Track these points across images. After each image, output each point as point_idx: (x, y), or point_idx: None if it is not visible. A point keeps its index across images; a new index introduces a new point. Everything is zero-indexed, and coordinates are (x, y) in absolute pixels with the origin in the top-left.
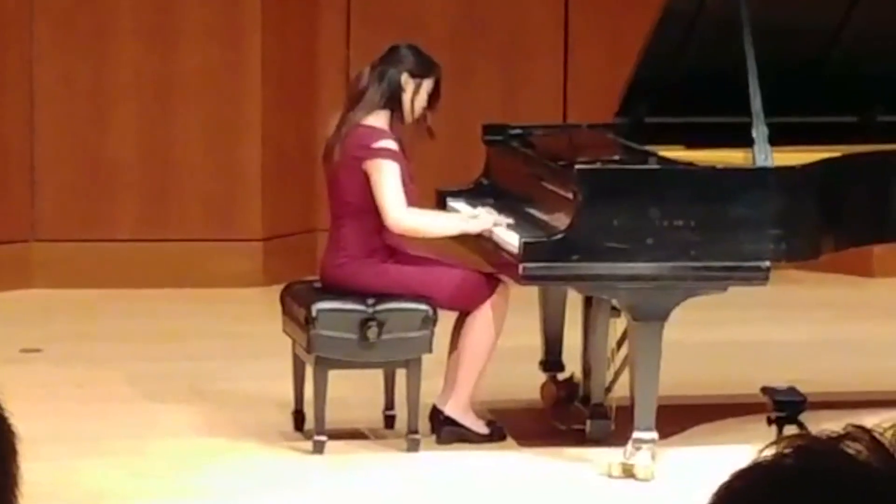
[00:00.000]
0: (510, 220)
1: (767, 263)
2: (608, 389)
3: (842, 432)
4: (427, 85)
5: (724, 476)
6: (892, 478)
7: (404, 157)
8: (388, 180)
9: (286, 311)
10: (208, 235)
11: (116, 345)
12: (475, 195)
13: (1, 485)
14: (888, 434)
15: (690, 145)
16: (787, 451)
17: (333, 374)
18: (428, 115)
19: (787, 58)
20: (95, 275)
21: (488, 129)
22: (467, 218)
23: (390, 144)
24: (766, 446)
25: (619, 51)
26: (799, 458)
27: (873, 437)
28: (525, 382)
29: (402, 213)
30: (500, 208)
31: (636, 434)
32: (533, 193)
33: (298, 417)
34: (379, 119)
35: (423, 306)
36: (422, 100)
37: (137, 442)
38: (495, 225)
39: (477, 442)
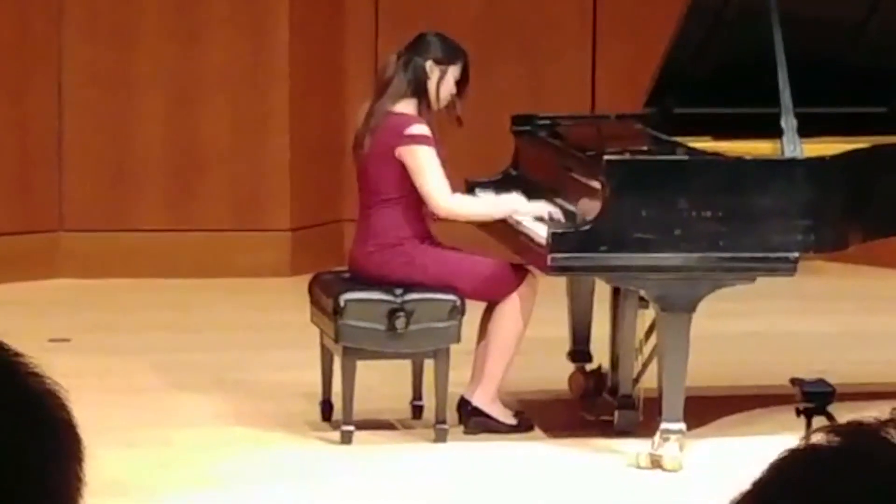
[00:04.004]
0: (557, 209)
1: (795, 254)
2: (636, 380)
3: (886, 418)
4: (453, 72)
5: (752, 467)
6: None
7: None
8: (429, 166)
9: (314, 302)
10: (236, 226)
11: (144, 335)
12: (503, 185)
13: (71, 487)
14: None
15: (718, 136)
16: (830, 435)
17: (361, 365)
18: (457, 102)
19: (814, 48)
20: (123, 265)
21: (516, 120)
22: (515, 200)
23: (424, 130)
24: (813, 431)
25: (647, 41)
26: (842, 441)
27: None
28: (553, 373)
29: (450, 201)
30: (529, 199)
31: (664, 425)
32: (561, 184)
33: (326, 408)
34: (408, 107)
35: (451, 296)
36: (448, 87)
37: (164, 432)
38: (542, 215)
39: (504, 433)
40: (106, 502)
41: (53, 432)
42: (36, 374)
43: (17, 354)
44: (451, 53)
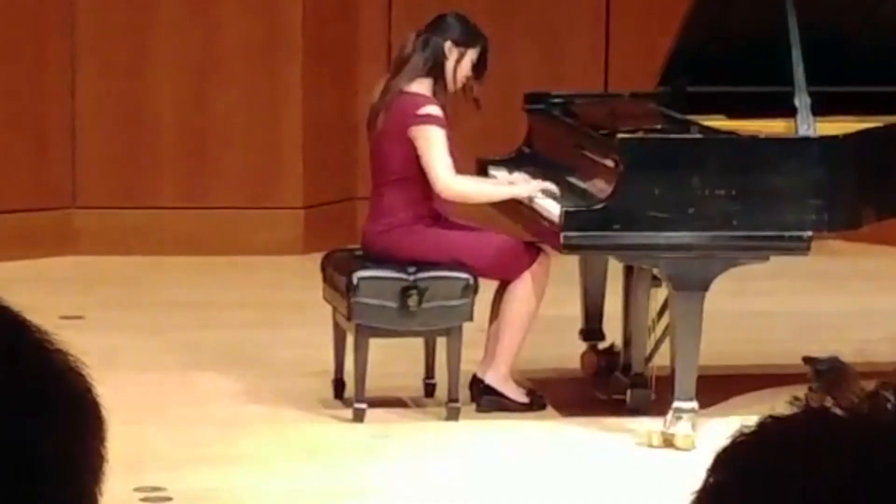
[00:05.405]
0: (556, 187)
1: (809, 233)
2: (648, 359)
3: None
4: (471, 55)
5: None
6: None
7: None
8: (435, 146)
9: (327, 279)
10: (249, 204)
11: (157, 312)
12: (516, 163)
13: (94, 466)
14: None
15: (732, 114)
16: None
17: (374, 343)
18: (475, 85)
19: (829, 26)
20: (137, 242)
21: (530, 98)
22: (514, 183)
23: (436, 110)
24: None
25: (661, 19)
26: (810, 409)
27: None
28: (565, 352)
29: (451, 179)
30: (541, 177)
31: (676, 404)
32: (574, 162)
33: (338, 385)
34: (422, 86)
35: (463, 275)
36: (465, 69)
37: (177, 410)
38: (544, 191)
39: (517, 411)
40: (119, 480)
41: (77, 410)
42: (61, 351)
43: (41, 331)
44: (470, 36)
